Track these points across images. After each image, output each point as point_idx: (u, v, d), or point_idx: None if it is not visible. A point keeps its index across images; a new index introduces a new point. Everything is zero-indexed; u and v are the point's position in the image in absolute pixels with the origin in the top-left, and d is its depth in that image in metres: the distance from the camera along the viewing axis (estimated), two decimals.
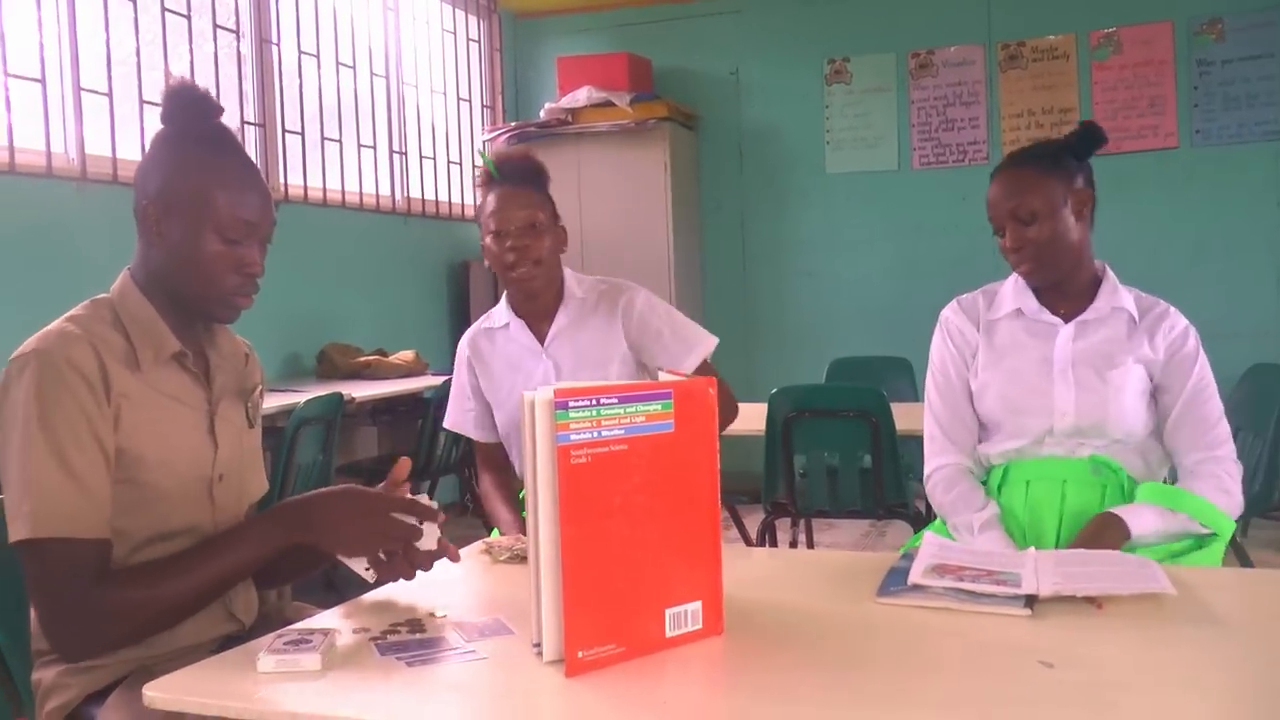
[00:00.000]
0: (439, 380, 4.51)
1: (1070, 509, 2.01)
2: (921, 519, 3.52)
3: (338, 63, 5.27)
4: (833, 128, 6.09)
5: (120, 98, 4.02)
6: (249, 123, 4.70)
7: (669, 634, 1.29)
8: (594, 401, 1.21)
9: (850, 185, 6.07)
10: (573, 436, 1.20)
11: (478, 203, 2.34)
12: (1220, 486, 1.99)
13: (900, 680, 1.21)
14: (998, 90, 5.82)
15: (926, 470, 2.17)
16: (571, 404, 1.19)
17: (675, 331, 2.39)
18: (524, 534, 2.18)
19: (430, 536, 1.52)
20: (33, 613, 1.48)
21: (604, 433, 1.22)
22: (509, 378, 2.35)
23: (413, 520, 1.50)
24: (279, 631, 1.34)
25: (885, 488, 3.28)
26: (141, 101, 4.10)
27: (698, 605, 1.32)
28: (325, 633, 1.32)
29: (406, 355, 4.93)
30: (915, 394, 4.30)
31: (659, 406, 1.28)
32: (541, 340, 2.35)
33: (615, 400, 1.23)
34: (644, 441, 1.26)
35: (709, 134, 6.30)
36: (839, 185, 6.09)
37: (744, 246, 6.29)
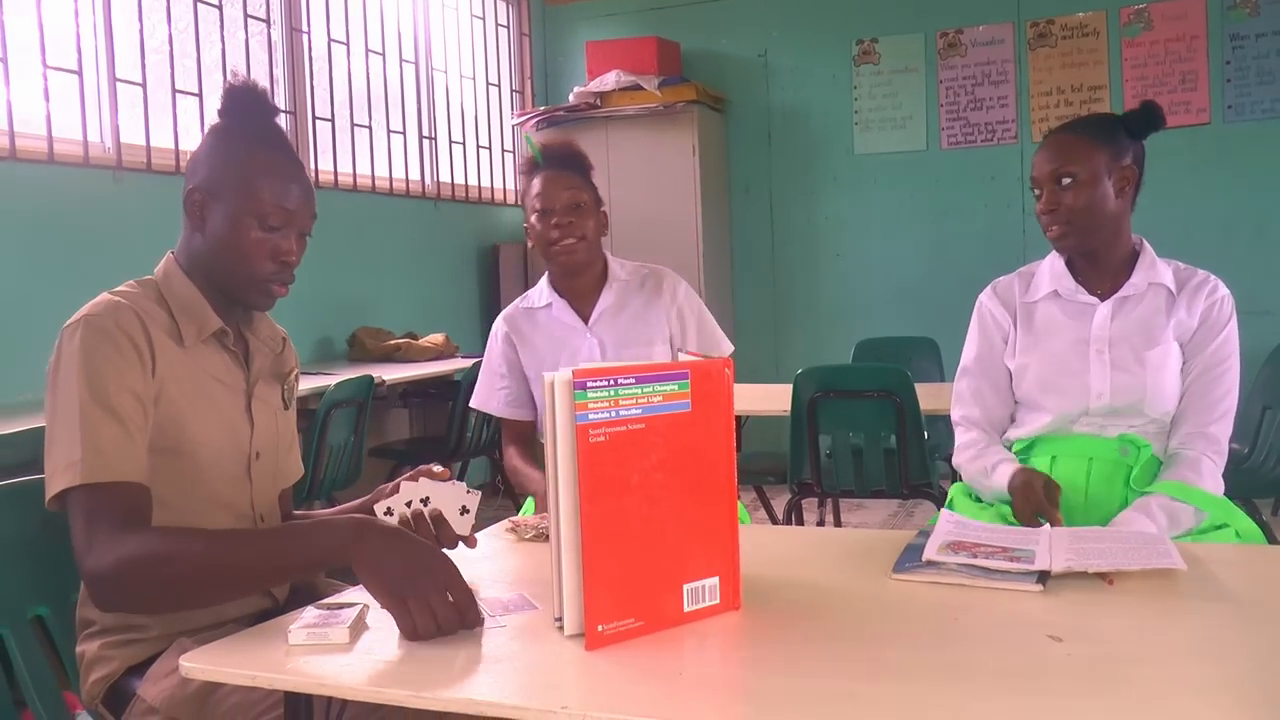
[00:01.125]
0: (469, 363, 4.56)
1: (1095, 486, 2.03)
2: (947, 499, 3.54)
3: (367, 50, 5.32)
4: (861, 109, 6.08)
5: (154, 87, 4.09)
6: (280, 110, 4.74)
7: (687, 609, 1.33)
8: (612, 382, 1.25)
9: (879, 166, 6.06)
10: (591, 416, 1.23)
11: (519, 188, 2.42)
12: (1192, 467, 1.98)
13: (912, 653, 1.23)
14: (1027, 69, 5.78)
15: (955, 450, 2.19)
16: (590, 384, 1.23)
17: (702, 329, 2.48)
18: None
19: (465, 523, 1.56)
20: (81, 588, 1.54)
21: (622, 412, 1.26)
22: (552, 355, 2.39)
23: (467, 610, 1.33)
24: (313, 606, 1.39)
25: (910, 468, 3.30)
26: (174, 90, 4.17)
27: (715, 581, 1.35)
28: (354, 606, 1.36)
29: (437, 338, 4.99)
30: (942, 374, 4.31)
31: (676, 386, 1.31)
32: (585, 319, 2.41)
33: (633, 380, 1.26)
34: (661, 420, 1.29)
35: (737, 116, 6.30)
36: (868, 166, 6.09)
37: (772, 228, 6.30)
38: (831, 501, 4.20)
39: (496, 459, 5.07)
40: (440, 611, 1.29)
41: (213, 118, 1.69)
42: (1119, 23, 5.63)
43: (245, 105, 1.63)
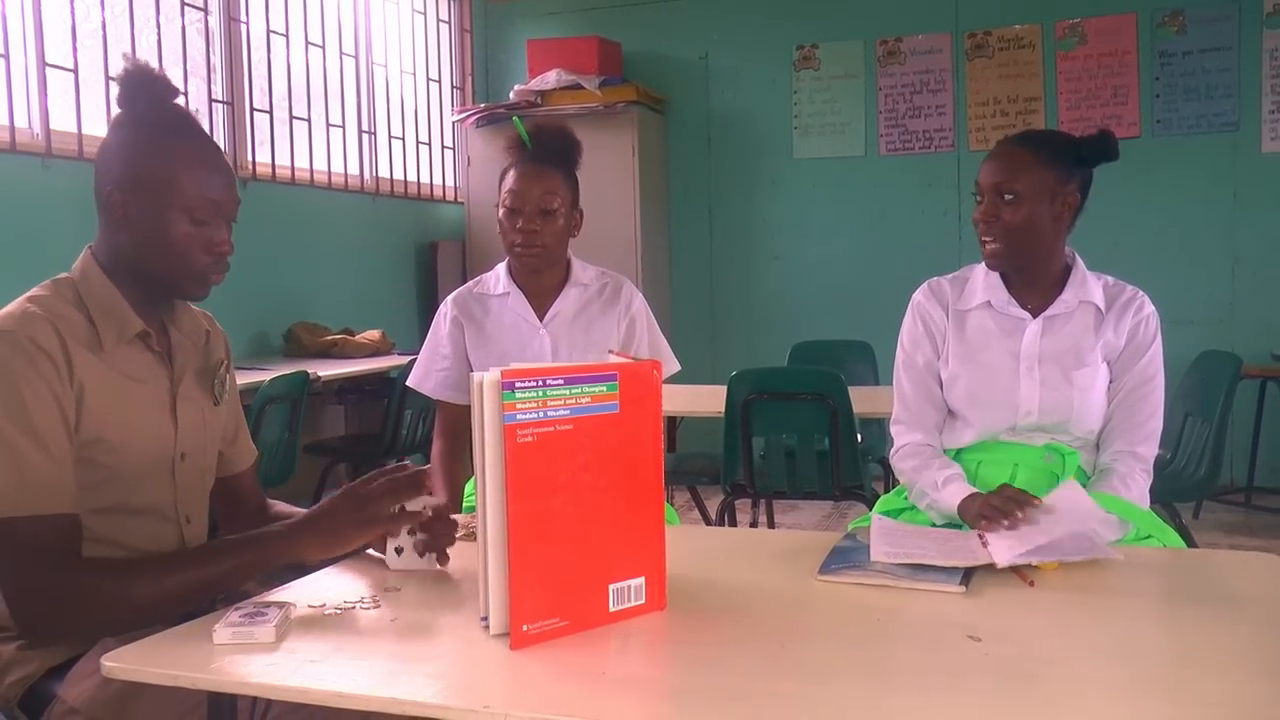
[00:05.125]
0: (405, 360, 4.53)
1: (1019, 485, 2.07)
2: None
3: (307, 41, 5.26)
4: (801, 114, 6.14)
5: (85, 73, 4.01)
6: (217, 100, 4.68)
7: (612, 609, 1.34)
8: (540, 383, 1.25)
9: (817, 171, 6.12)
10: (519, 416, 1.24)
11: (502, 167, 2.37)
12: (1123, 481, 2.02)
13: (834, 653, 1.26)
14: (964, 78, 5.88)
15: (892, 450, 2.21)
16: (518, 384, 1.24)
17: (653, 344, 2.48)
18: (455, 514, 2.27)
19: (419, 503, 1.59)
20: None
21: (550, 413, 1.26)
22: (502, 345, 2.37)
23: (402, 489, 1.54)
24: (236, 604, 1.38)
25: (843, 470, 3.34)
26: (107, 77, 4.08)
27: (641, 581, 1.37)
28: (281, 606, 1.36)
29: (373, 334, 4.95)
30: (876, 377, 4.37)
31: (604, 388, 1.32)
32: (540, 316, 2.40)
33: (561, 381, 1.27)
34: (589, 421, 1.30)
35: (678, 118, 6.33)
36: (806, 170, 6.14)
37: (711, 231, 6.34)
38: (765, 503, 4.24)
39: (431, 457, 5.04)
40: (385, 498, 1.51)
41: None
42: (1054, 36, 5.74)
43: (143, 91, 1.58)
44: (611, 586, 1.34)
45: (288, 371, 3.76)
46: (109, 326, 1.54)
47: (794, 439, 3.40)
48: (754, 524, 4.20)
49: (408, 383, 2.53)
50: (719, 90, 6.27)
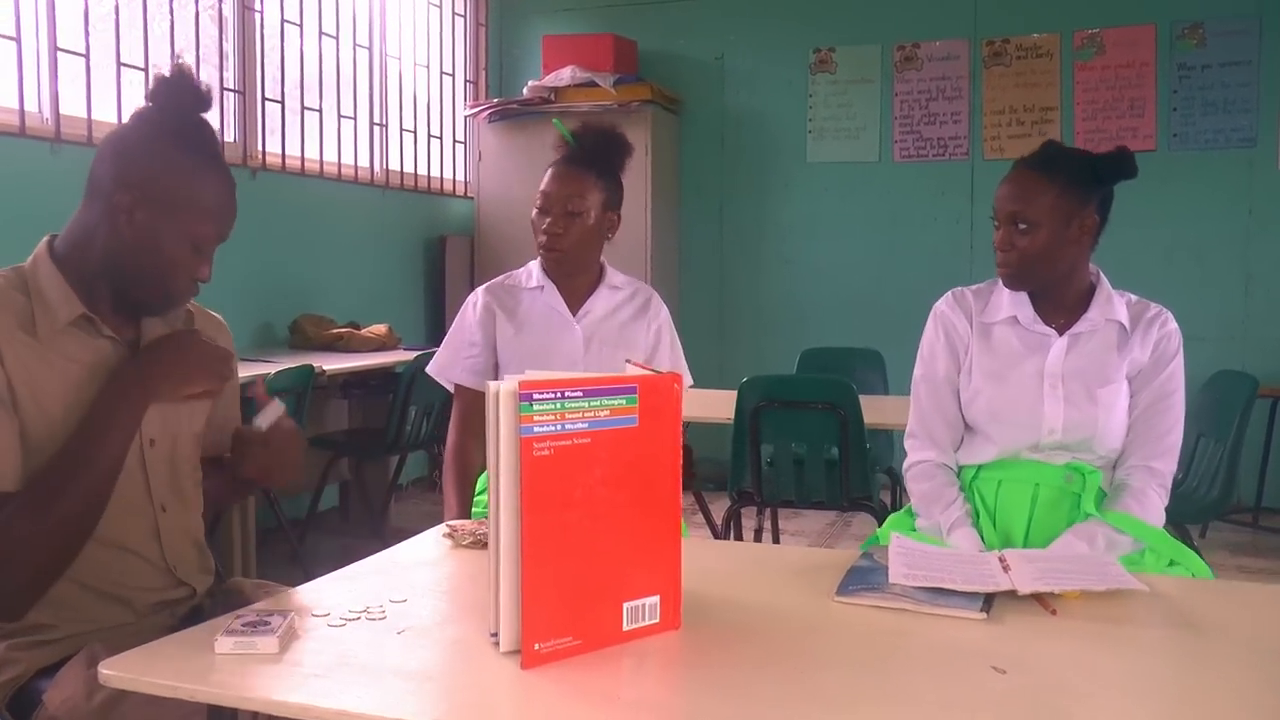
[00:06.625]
0: (411, 355, 4.50)
1: (1041, 510, 2.03)
2: (886, 512, 3.56)
3: (320, 31, 5.22)
4: (815, 117, 6.09)
5: (98, 58, 3.97)
6: (229, 89, 4.65)
7: (626, 627, 1.30)
8: (558, 394, 1.22)
9: (830, 175, 6.08)
10: (536, 429, 1.20)
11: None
12: (1136, 497, 1.99)
13: (853, 679, 1.22)
14: (981, 86, 5.83)
15: (906, 464, 2.18)
16: (535, 396, 1.20)
17: (673, 358, 2.53)
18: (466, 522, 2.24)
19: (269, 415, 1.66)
20: None
21: (567, 425, 1.23)
22: (534, 336, 2.39)
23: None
24: (238, 612, 1.35)
25: (851, 480, 3.30)
26: (119, 63, 4.05)
27: (655, 599, 1.33)
28: (284, 615, 1.32)
29: (380, 329, 4.91)
30: (885, 387, 4.33)
31: (623, 401, 1.28)
32: (573, 312, 2.42)
33: (580, 394, 1.23)
34: (607, 435, 1.27)
35: (691, 119, 6.28)
36: (819, 174, 6.10)
37: (722, 232, 6.30)
38: (770, 510, 4.20)
39: (435, 454, 5.02)
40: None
41: None
42: (1072, 46, 5.70)
43: (179, 97, 1.57)
44: (626, 605, 1.30)
45: (293, 365, 3.72)
46: (43, 310, 1.52)
47: (803, 448, 3.36)
48: (759, 531, 4.17)
49: (428, 370, 2.53)
50: (734, 91, 6.22)
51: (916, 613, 1.45)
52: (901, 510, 2.27)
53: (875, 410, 3.36)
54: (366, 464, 5.02)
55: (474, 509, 2.45)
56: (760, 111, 6.19)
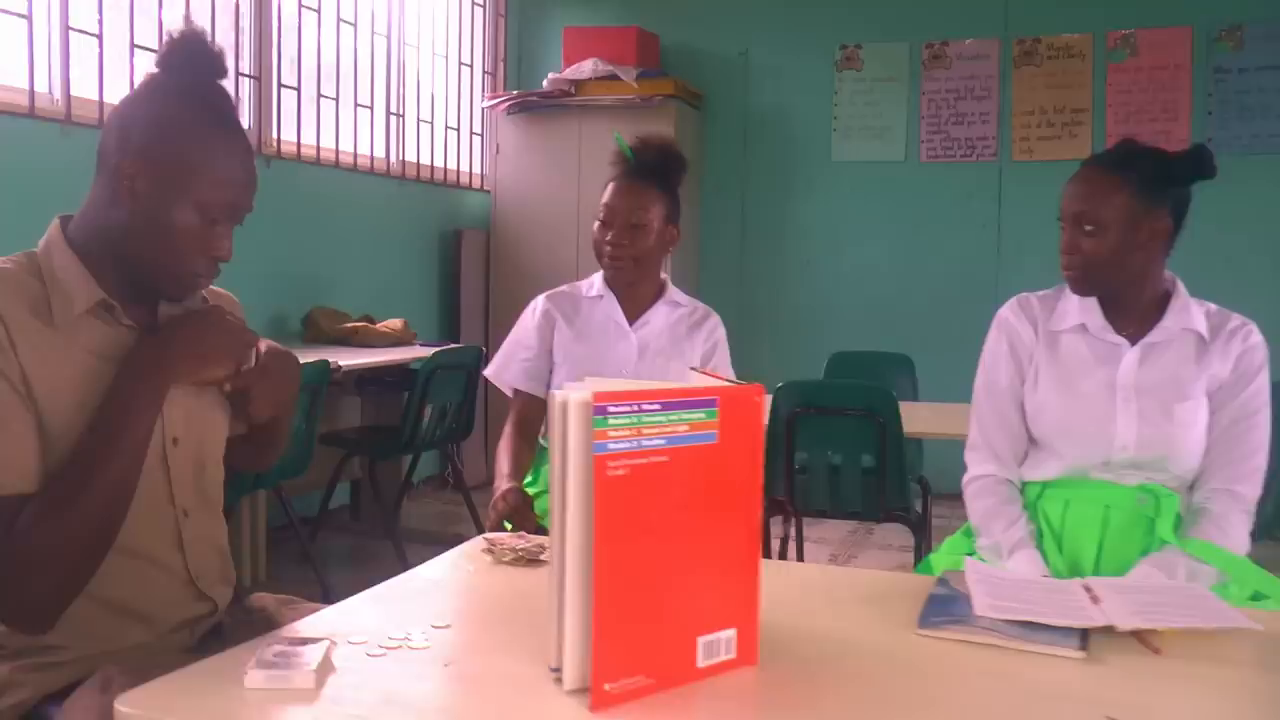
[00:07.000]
0: (429, 352, 4.37)
1: (1112, 535, 1.90)
2: (921, 523, 3.43)
3: (339, 19, 5.10)
4: (841, 115, 5.96)
5: (110, 40, 3.84)
6: (244, 74, 4.52)
7: (701, 664, 1.17)
8: (635, 407, 1.09)
9: (855, 174, 5.95)
10: (611, 446, 1.07)
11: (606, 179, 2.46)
12: (1218, 524, 1.86)
13: None
14: (1010, 86, 5.70)
15: (965, 479, 2.05)
16: (611, 409, 1.07)
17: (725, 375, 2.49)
18: (508, 499, 2.12)
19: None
20: None
21: (645, 442, 1.10)
22: (589, 343, 2.45)
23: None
24: (267, 638, 1.22)
25: (888, 490, 3.17)
26: (133, 45, 3.93)
27: (732, 633, 1.20)
28: (318, 643, 1.19)
29: (395, 324, 4.78)
30: (915, 393, 4.19)
31: (703, 415, 1.15)
32: (631, 322, 2.47)
33: (658, 406, 1.11)
34: (685, 453, 1.14)
35: (715, 115, 6.15)
36: (844, 173, 5.97)
37: (743, 231, 6.16)
38: (796, 519, 4.07)
39: (449, 451, 4.89)
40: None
41: None
42: (1105, 46, 5.56)
43: (192, 61, 1.42)
44: (701, 639, 1.17)
45: (308, 359, 3.59)
46: (59, 296, 1.37)
47: (838, 456, 3.23)
48: (785, 538, 4.04)
49: (485, 373, 2.59)
50: (758, 88, 6.09)
51: (1006, 649, 1.33)
52: (958, 531, 2.14)
53: (908, 418, 3.22)
54: (379, 463, 4.88)
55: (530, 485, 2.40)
56: (785, 108, 6.06)
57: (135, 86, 1.47)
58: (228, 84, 1.48)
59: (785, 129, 6.06)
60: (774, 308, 6.11)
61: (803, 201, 6.05)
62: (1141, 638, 1.37)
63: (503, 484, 2.21)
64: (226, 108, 1.45)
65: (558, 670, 1.13)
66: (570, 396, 1.09)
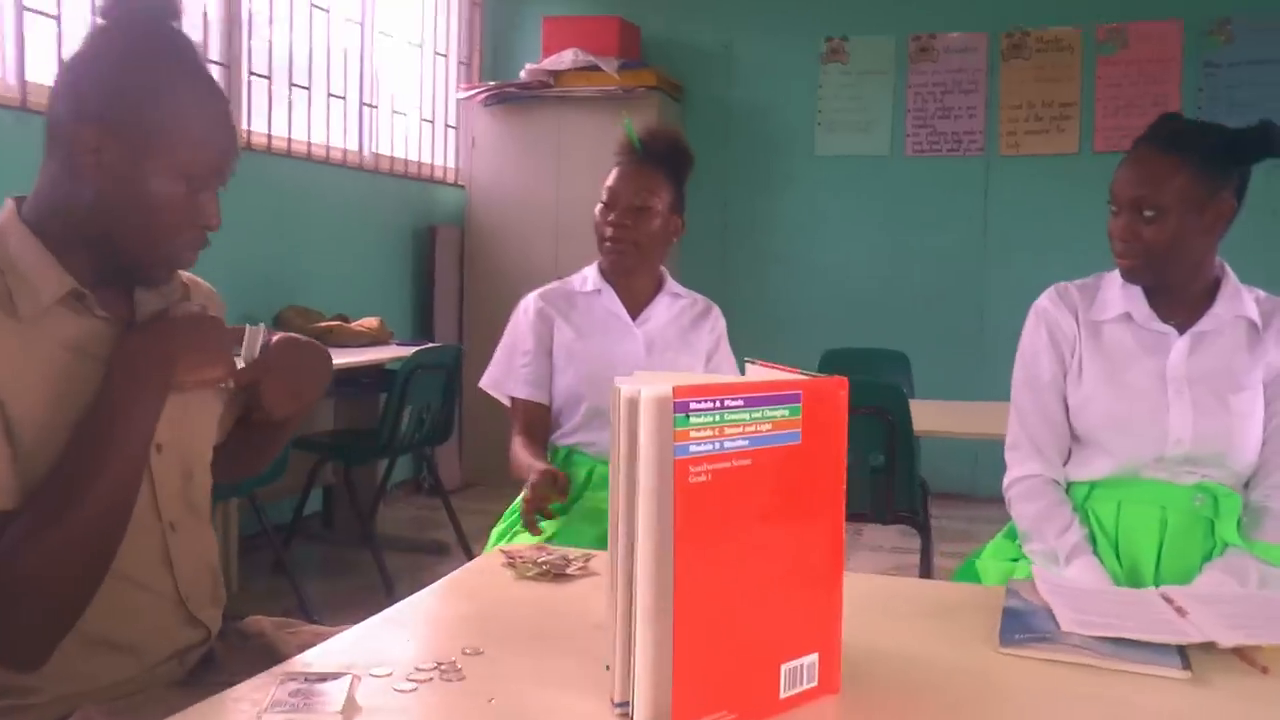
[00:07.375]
0: (406, 352, 4.19)
1: (1172, 538, 1.77)
2: (926, 525, 3.31)
3: (311, 4, 4.90)
4: (825, 108, 5.84)
5: (70, 21, 3.64)
6: (213, 62, 4.31)
7: (784, 694, 1.03)
8: (718, 404, 0.94)
9: (839, 169, 5.82)
10: (693, 449, 0.92)
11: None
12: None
13: None
14: (998, 80, 5.60)
15: (1007, 480, 1.92)
16: (693, 405, 0.92)
17: (730, 368, 2.42)
18: (541, 486, 1.90)
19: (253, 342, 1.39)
20: None
21: (727, 444, 0.95)
22: (592, 341, 2.29)
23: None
24: (282, 676, 1.06)
25: (897, 493, 3.04)
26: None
27: (814, 658, 1.06)
28: (339, 678, 1.04)
29: (370, 322, 4.60)
30: (912, 390, 4.08)
31: (786, 412, 1.01)
32: (632, 317, 2.33)
33: (741, 403, 0.96)
34: (768, 455, 0.99)
35: (696, 107, 6.01)
36: (827, 168, 5.84)
37: (725, 226, 6.02)
38: None
39: (427, 454, 4.72)
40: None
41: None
42: (1094, 39, 5.48)
43: (139, 4, 1.24)
44: (784, 666, 1.03)
45: None
46: (23, 287, 1.19)
47: (847, 455, 3.09)
48: None
49: (481, 385, 2.37)
50: (741, 80, 5.95)
51: (1100, 668, 1.19)
52: (999, 535, 2.01)
53: (913, 416, 3.10)
54: (354, 468, 4.69)
55: (501, 526, 2.20)
56: (768, 101, 5.92)
57: (82, 42, 1.27)
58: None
59: (768, 122, 5.93)
60: (756, 302, 5.97)
61: (785, 196, 5.92)
62: (1244, 655, 1.24)
63: (538, 465, 2.02)
64: (191, 54, 1.27)
65: (624, 705, 0.99)
66: (642, 391, 0.94)
